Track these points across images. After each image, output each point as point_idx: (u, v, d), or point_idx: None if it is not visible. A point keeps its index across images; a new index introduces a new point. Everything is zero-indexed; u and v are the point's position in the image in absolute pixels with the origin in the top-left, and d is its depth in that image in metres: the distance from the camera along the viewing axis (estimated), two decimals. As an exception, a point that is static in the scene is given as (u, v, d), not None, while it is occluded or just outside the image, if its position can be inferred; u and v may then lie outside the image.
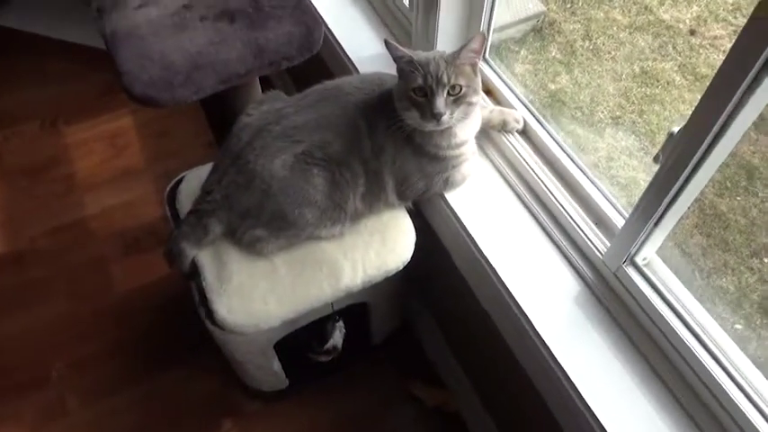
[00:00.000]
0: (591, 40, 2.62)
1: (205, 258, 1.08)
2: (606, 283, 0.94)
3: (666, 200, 0.77)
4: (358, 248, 1.07)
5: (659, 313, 0.86)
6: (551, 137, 1.07)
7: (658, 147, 0.77)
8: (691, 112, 0.68)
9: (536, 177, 1.04)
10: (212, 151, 1.93)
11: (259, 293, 1.03)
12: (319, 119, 1.03)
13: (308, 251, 1.07)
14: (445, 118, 0.93)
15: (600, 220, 0.98)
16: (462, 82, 0.93)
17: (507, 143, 1.09)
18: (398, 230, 1.10)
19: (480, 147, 1.11)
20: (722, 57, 0.64)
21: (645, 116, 2.31)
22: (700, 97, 0.66)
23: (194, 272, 1.10)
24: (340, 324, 1.22)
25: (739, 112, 0.64)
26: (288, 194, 1.00)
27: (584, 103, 2.45)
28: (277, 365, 1.39)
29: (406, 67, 0.95)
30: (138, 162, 1.97)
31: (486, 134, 1.12)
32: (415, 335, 1.61)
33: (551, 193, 1.02)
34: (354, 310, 1.31)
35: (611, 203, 0.98)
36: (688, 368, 0.84)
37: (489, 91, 1.18)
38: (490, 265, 0.99)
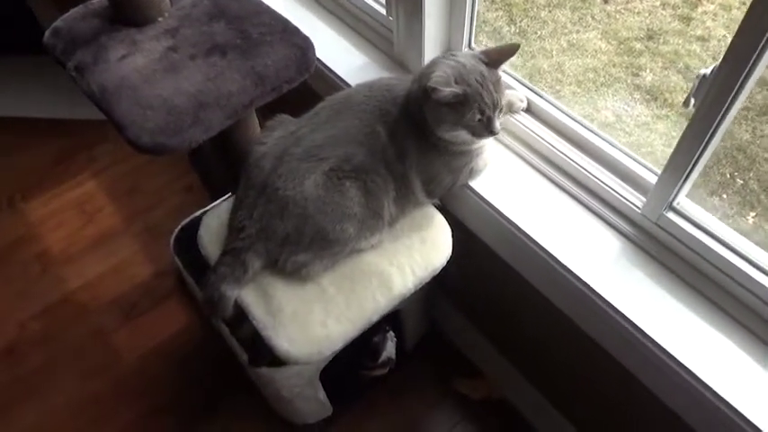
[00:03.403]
0: (516, 24, 2.74)
1: (248, 297, 1.05)
2: (648, 233, 0.99)
3: (705, 139, 0.82)
4: (401, 253, 1.07)
5: (707, 246, 0.91)
6: (557, 108, 1.11)
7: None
8: (721, 58, 0.73)
9: (554, 150, 1.08)
10: (194, 196, 1.88)
11: (316, 318, 1.01)
12: (338, 133, 1.03)
13: (352, 266, 1.06)
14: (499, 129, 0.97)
15: (627, 177, 1.02)
16: (503, 95, 0.96)
17: (517, 123, 1.13)
18: (434, 227, 1.11)
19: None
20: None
21: (583, 85, 2.43)
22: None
23: (239, 314, 1.07)
24: (390, 334, 1.22)
25: (770, 43, 0.70)
26: (326, 212, 0.99)
27: (523, 84, 2.53)
28: (322, 394, 1.36)
29: (453, 100, 0.93)
30: (114, 224, 1.88)
31: (494, 119, 1.15)
32: (442, 333, 1.62)
33: (574, 161, 1.06)
34: (387, 320, 1.31)
35: (632, 158, 1.03)
36: (743, 289, 0.89)
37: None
38: (534, 242, 1.02)
